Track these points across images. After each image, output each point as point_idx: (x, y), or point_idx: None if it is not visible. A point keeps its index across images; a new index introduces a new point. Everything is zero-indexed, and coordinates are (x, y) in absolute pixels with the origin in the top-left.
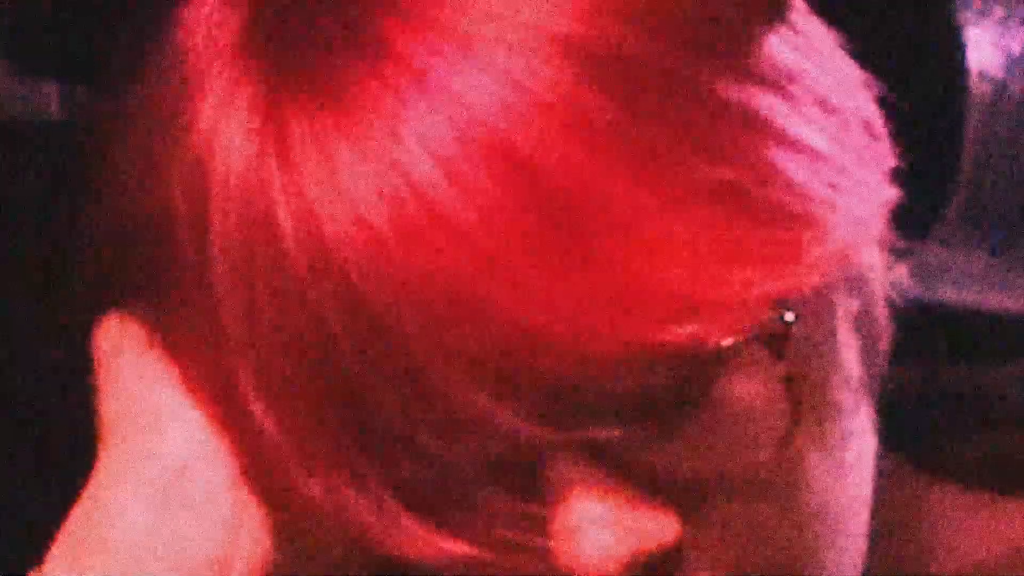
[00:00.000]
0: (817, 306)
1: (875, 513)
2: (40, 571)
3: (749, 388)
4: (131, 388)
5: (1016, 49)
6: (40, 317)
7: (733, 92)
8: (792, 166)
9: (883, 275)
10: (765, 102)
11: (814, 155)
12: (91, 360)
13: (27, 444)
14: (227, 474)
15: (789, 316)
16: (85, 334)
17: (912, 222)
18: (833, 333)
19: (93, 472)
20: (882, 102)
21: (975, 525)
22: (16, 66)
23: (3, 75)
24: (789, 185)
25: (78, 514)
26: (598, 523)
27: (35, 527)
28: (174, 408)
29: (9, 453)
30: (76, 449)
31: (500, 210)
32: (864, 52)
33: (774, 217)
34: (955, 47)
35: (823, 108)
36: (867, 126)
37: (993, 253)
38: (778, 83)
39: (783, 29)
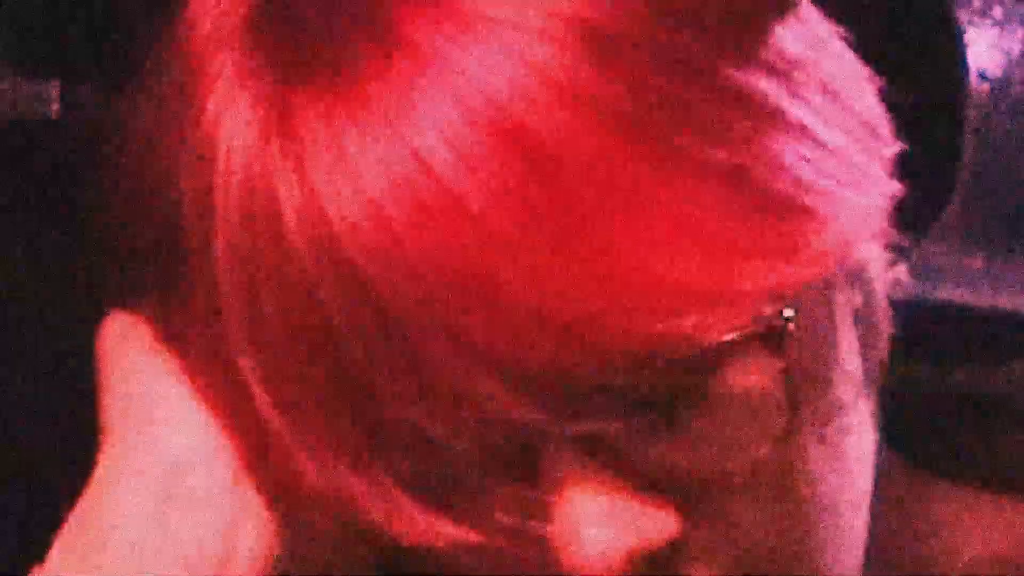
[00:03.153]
0: (817, 300)
1: (875, 513)
2: (40, 570)
3: (748, 383)
4: (133, 386)
5: (1015, 49)
6: (42, 316)
7: (741, 80)
8: (795, 155)
9: (884, 272)
10: (771, 90)
11: (818, 145)
12: (93, 358)
13: (28, 443)
14: (229, 471)
15: (788, 311)
16: (88, 332)
17: (912, 222)
18: (833, 328)
19: (94, 470)
20: (883, 101)
21: (975, 525)
22: (16, 66)
23: (3, 75)
24: (792, 174)
25: (79, 513)
26: (597, 519)
27: (35, 527)
28: (175, 406)
29: (10, 452)
30: (77, 448)
31: (509, 192)
32: (865, 52)
33: (776, 208)
34: (955, 47)
35: (827, 98)
36: (870, 119)
37: (993, 253)
38: (784, 72)
39: (791, 20)
